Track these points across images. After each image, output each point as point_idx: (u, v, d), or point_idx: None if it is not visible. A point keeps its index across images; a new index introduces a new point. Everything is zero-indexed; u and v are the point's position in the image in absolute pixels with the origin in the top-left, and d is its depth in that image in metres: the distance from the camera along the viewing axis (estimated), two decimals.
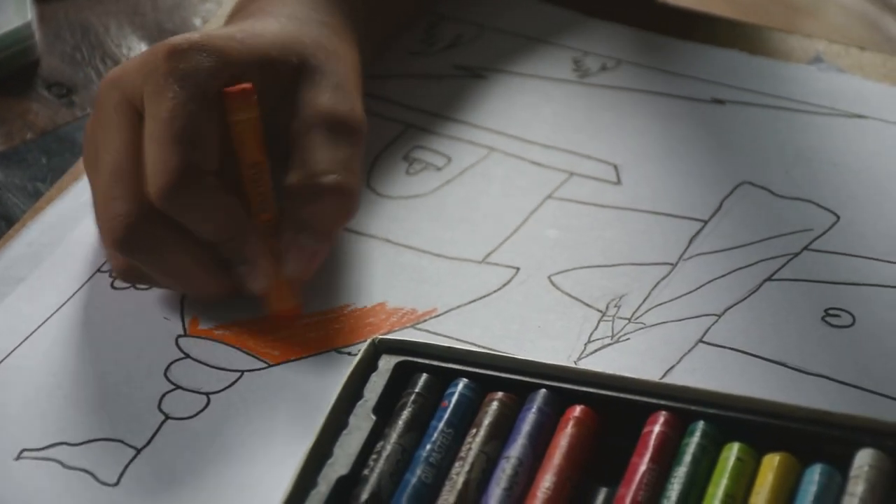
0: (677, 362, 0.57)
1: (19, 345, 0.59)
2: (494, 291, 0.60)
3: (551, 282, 0.60)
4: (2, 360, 0.58)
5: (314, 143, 0.58)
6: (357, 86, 0.61)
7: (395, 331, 0.59)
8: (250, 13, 0.64)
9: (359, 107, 0.60)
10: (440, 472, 0.51)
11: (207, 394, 0.57)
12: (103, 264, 0.62)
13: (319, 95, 0.59)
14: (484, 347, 0.57)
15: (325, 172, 0.57)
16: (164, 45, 0.58)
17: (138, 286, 0.61)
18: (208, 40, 0.58)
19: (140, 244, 0.57)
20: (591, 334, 0.58)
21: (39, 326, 0.59)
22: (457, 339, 0.58)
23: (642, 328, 0.58)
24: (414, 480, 0.50)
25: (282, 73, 0.59)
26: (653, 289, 0.60)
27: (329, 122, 0.59)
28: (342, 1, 0.65)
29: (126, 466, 0.54)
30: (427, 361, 0.54)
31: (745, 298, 0.59)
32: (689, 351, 0.57)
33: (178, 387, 0.57)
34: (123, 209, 0.56)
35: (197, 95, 0.57)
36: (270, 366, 0.58)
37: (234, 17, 0.66)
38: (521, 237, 0.62)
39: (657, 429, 0.51)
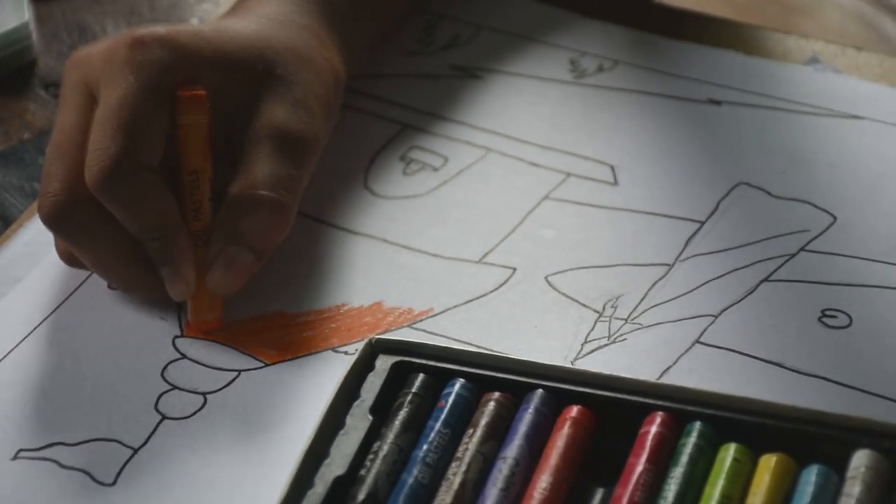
0: (674, 363, 0.57)
1: (17, 345, 0.59)
2: (491, 291, 0.60)
3: (548, 282, 0.60)
4: None
5: (260, 156, 0.58)
6: (323, 101, 0.61)
7: (391, 330, 0.59)
8: (237, 11, 0.64)
9: (317, 125, 0.60)
10: (437, 472, 0.51)
11: (204, 394, 0.57)
12: None
13: (277, 108, 0.59)
14: (480, 347, 0.57)
15: (264, 187, 0.57)
16: (129, 34, 0.58)
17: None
18: (173, 35, 0.58)
19: (67, 225, 0.57)
20: (588, 335, 0.58)
21: (37, 327, 0.59)
22: (453, 339, 0.58)
23: (639, 329, 0.58)
24: (411, 481, 0.50)
25: (245, 78, 0.59)
26: (650, 289, 0.60)
27: (280, 137, 0.58)
28: (328, 3, 0.65)
29: (123, 466, 0.54)
30: (424, 362, 0.54)
31: (741, 299, 0.59)
32: (686, 351, 0.57)
33: (174, 387, 0.57)
34: (57, 187, 0.57)
35: (148, 88, 0.57)
36: (267, 365, 0.58)
37: (227, 14, 0.66)
38: (518, 237, 0.62)
39: (654, 429, 0.51)
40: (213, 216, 0.58)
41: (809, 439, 0.50)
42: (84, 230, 0.57)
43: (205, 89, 0.58)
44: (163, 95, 0.57)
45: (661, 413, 0.51)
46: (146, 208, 0.57)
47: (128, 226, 0.57)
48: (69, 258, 0.59)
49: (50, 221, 0.57)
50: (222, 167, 0.59)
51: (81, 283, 0.61)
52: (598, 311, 0.59)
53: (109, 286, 0.60)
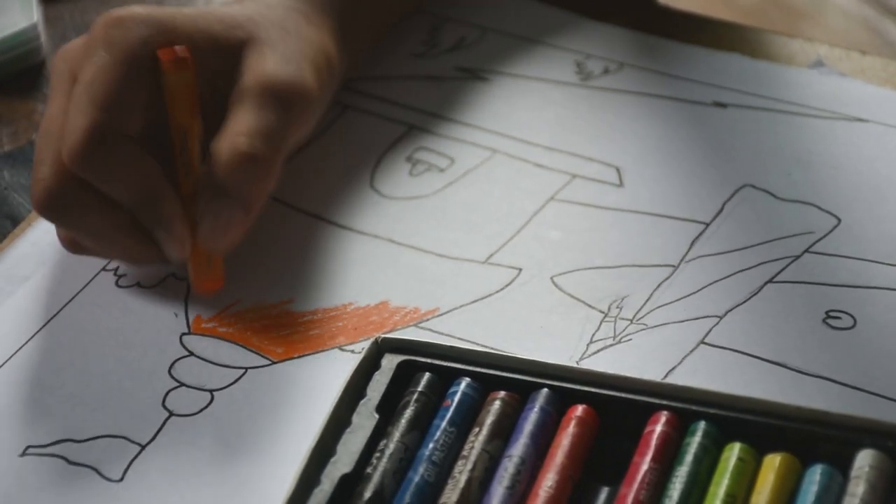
0: (679, 363, 0.57)
1: (25, 343, 0.59)
2: (497, 292, 0.61)
3: (554, 283, 0.61)
4: (7, 358, 0.58)
5: (242, 109, 0.58)
6: (313, 60, 0.61)
7: (397, 329, 0.59)
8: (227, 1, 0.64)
9: (306, 75, 0.60)
10: (443, 470, 0.51)
11: (211, 391, 0.57)
12: (108, 262, 0.62)
13: (262, 63, 0.59)
14: (486, 347, 0.58)
15: (242, 142, 0.57)
16: (106, 15, 0.59)
17: (143, 285, 0.61)
18: (150, 12, 0.59)
19: (59, 208, 0.57)
20: (594, 335, 0.58)
21: (45, 324, 0.60)
22: (459, 339, 0.58)
23: (644, 329, 0.59)
24: (417, 479, 0.50)
25: (227, 49, 0.59)
26: (655, 290, 0.60)
27: (264, 89, 0.58)
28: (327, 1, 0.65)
29: (130, 462, 0.54)
30: (430, 360, 0.54)
31: (746, 300, 0.59)
32: (691, 352, 0.58)
33: (182, 384, 0.57)
34: (45, 173, 0.57)
35: (122, 60, 0.57)
36: (274, 363, 0.58)
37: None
38: (524, 238, 0.63)
39: (659, 428, 0.51)
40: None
41: (813, 439, 0.50)
42: (76, 210, 0.57)
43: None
44: (140, 66, 0.57)
45: (665, 412, 0.51)
46: (126, 176, 0.57)
47: (113, 195, 0.57)
48: (72, 245, 0.59)
49: (42, 207, 0.57)
50: (206, 134, 0.58)
51: (89, 282, 0.61)
52: (603, 312, 0.59)
53: (117, 281, 0.61)
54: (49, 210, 0.57)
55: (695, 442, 0.51)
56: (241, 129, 0.57)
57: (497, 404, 0.52)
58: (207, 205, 0.57)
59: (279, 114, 0.58)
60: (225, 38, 0.59)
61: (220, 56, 0.59)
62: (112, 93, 0.57)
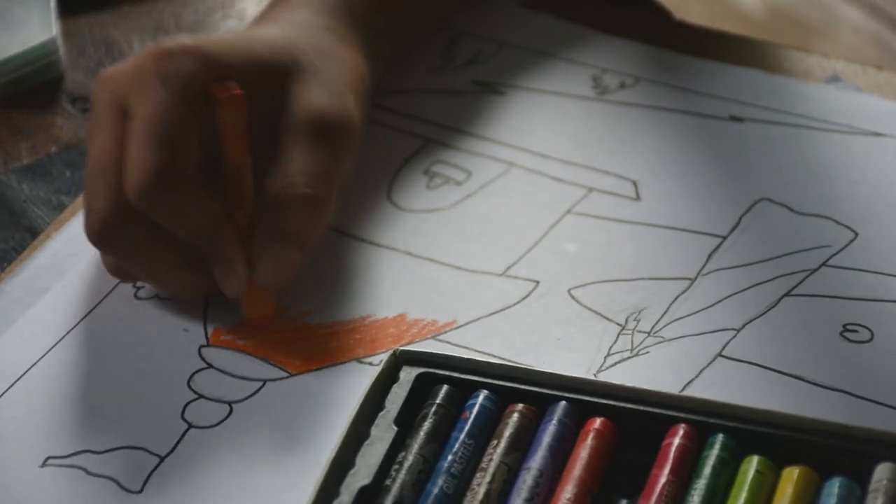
0: (696, 376, 0.57)
1: (45, 354, 0.59)
2: (514, 304, 0.61)
3: (571, 295, 0.61)
4: (28, 370, 0.59)
5: (295, 149, 0.58)
6: (354, 88, 0.61)
7: (415, 342, 0.59)
8: (262, 21, 0.65)
9: (350, 107, 0.60)
10: (461, 482, 0.51)
11: (230, 403, 0.57)
12: None
13: (307, 95, 0.59)
14: (504, 360, 0.58)
15: (300, 182, 0.58)
16: (155, 47, 0.59)
17: (161, 297, 0.61)
18: (198, 44, 0.59)
19: (116, 241, 0.57)
20: (611, 347, 0.59)
21: (64, 336, 0.60)
22: (477, 351, 0.58)
23: (662, 342, 0.59)
24: (436, 491, 0.50)
25: (273, 75, 0.60)
26: (672, 303, 0.60)
27: (314, 125, 0.59)
28: (352, 9, 0.65)
29: (150, 474, 0.55)
30: (448, 373, 0.54)
31: (763, 313, 0.60)
32: (709, 365, 0.58)
33: (200, 396, 0.57)
34: (102, 205, 0.57)
35: (179, 96, 0.57)
36: (292, 375, 0.58)
37: (253, 25, 0.66)
38: (541, 251, 0.63)
39: (677, 441, 0.51)
40: (254, 210, 0.59)
41: (832, 452, 0.50)
42: (132, 245, 0.58)
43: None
44: (194, 103, 0.58)
45: (684, 425, 0.51)
46: (191, 214, 0.57)
47: (177, 233, 0.58)
48: (118, 272, 0.60)
49: (99, 241, 0.58)
50: (261, 162, 0.59)
51: (108, 294, 0.62)
52: (620, 325, 0.59)
53: (136, 293, 0.61)
54: (106, 244, 0.58)
55: (713, 455, 0.51)
56: (297, 169, 0.58)
57: (515, 417, 0.53)
58: (267, 245, 0.58)
59: (332, 151, 0.59)
60: (270, 65, 0.60)
61: (265, 84, 0.60)
62: (175, 131, 0.57)
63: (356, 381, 0.57)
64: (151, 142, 0.57)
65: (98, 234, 0.57)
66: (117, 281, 0.62)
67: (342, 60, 0.62)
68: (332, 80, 0.60)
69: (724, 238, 0.63)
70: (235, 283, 0.58)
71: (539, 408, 0.53)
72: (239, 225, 0.58)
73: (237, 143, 0.58)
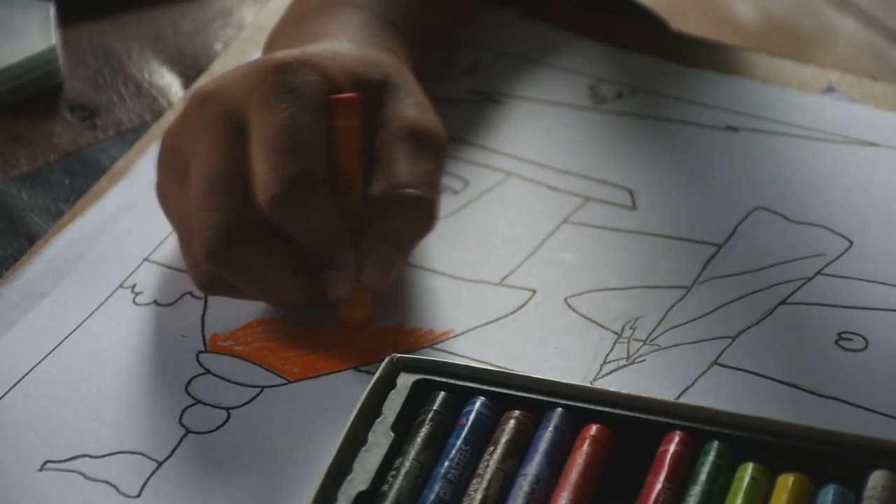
0: (692, 384, 0.58)
1: (43, 359, 0.59)
2: (511, 313, 0.61)
3: (567, 304, 0.61)
4: (26, 374, 0.59)
5: (399, 156, 0.59)
6: (432, 104, 0.62)
7: (412, 350, 0.59)
8: (312, 35, 0.64)
9: (438, 120, 0.61)
10: (458, 488, 0.51)
11: (228, 409, 0.57)
12: (126, 280, 0.63)
13: (405, 110, 0.60)
14: (501, 368, 0.58)
15: (408, 185, 0.58)
16: (268, 61, 0.59)
17: (160, 303, 0.61)
18: (309, 56, 0.59)
19: (233, 256, 0.57)
20: (607, 356, 0.59)
21: (62, 341, 0.60)
22: (474, 360, 0.59)
23: (657, 350, 0.59)
24: (432, 497, 0.51)
25: (369, 89, 0.60)
26: (668, 311, 0.60)
27: (414, 136, 0.60)
28: (398, 31, 0.66)
29: (147, 479, 0.55)
30: (445, 380, 0.54)
31: (759, 322, 0.60)
32: (704, 372, 0.58)
33: (198, 401, 0.57)
34: (218, 221, 0.57)
35: (308, 107, 0.58)
36: (290, 382, 0.58)
37: (285, 35, 0.66)
38: (538, 260, 0.63)
39: (673, 448, 0.51)
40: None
41: (826, 459, 0.51)
42: (249, 259, 0.58)
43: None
44: (322, 113, 0.58)
45: (679, 432, 0.52)
46: (323, 221, 0.58)
47: (306, 240, 0.58)
48: (214, 287, 0.59)
49: (215, 256, 0.57)
50: (362, 173, 0.60)
51: (106, 299, 0.62)
52: (616, 333, 0.60)
53: (134, 299, 0.61)
54: (223, 257, 0.57)
55: (708, 461, 0.51)
56: (402, 175, 0.59)
57: (512, 423, 0.53)
58: (374, 250, 0.58)
59: (433, 159, 0.60)
60: (367, 81, 0.60)
61: (365, 96, 0.60)
62: (308, 140, 0.57)
63: (353, 389, 0.57)
64: (286, 152, 0.57)
65: (215, 251, 0.57)
66: (117, 285, 0.62)
67: (413, 78, 0.63)
68: (419, 96, 0.61)
69: (720, 247, 0.63)
70: (347, 286, 0.58)
71: (535, 414, 0.53)
72: (349, 230, 0.59)
73: (350, 148, 0.59)
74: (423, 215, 0.59)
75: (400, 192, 0.58)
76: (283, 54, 0.59)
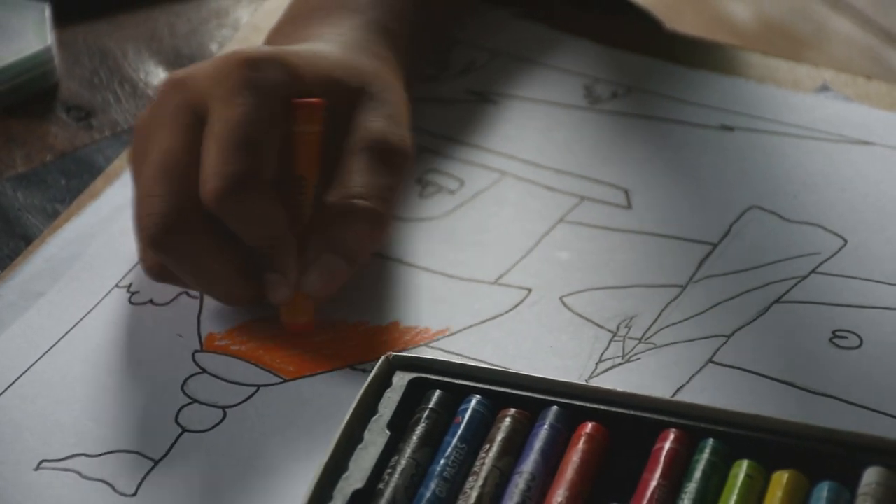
0: (687, 382, 0.58)
1: (39, 358, 0.59)
2: (507, 312, 0.61)
3: (563, 303, 0.61)
4: (22, 373, 0.59)
5: (358, 166, 0.59)
6: (406, 118, 0.62)
7: (408, 349, 0.59)
8: (304, 36, 0.64)
9: (408, 135, 0.61)
10: (454, 486, 0.51)
11: (223, 408, 0.57)
12: (122, 279, 0.63)
13: (374, 120, 0.60)
14: (496, 366, 0.58)
15: (361, 196, 0.58)
16: (239, 54, 0.59)
17: (156, 302, 0.61)
18: (282, 54, 0.59)
19: (173, 245, 0.57)
20: (603, 354, 0.59)
21: (59, 340, 0.60)
22: (469, 358, 0.59)
23: (653, 348, 0.59)
24: (428, 494, 0.51)
25: (343, 95, 0.60)
26: (663, 310, 0.61)
27: (378, 148, 0.59)
28: (392, 37, 0.66)
29: (144, 477, 0.55)
30: (441, 378, 0.54)
31: (754, 320, 0.60)
32: (699, 371, 0.58)
33: (194, 400, 0.58)
34: (162, 208, 0.57)
35: (266, 105, 0.58)
36: (285, 381, 0.58)
37: (282, 36, 0.66)
38: (534, 259, 0.63)
39: (668, 445, 0.51)
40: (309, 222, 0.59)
41: (821, 456, 0.51)
42: (190, 249, 0.57)
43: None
44: (279, 112, 0.58)
45: (674, 430, 0.52)
46: (263, 221, 0.57)
47: (246, 238, 0.58)
48: (159, 274, 0.59)
49: (156, 243, 0.57)
50: (320, 180, 0.59)
51: (102, 298, 0.62)
52: (612, 331, 0.60)
53: (130, 298, 0.61)
54: (164, 247, 0.57)
55: (703, 459, 0.51)
56: (357, 186, 0.58)
57: (507, 421, 0.53)
58: (320, 257, 0.58)
59: (393, 174, 0.59)
60: (344, 86, 0.60)
61: (336, 103, 0.60)
62: (259, 138, 0.57)
63: (349, 388, 0.57)
64: (235, 147, 0.57)
65: (155, 238, 0.57)
66: (113, 285, 0.62)
67: (397, 89, 0.63)
68: (394, 108, 0.61)
69: (715, 246, 0.63)
70: (286, 290, 0.58)
71: (531, 412, 0.53)
72: (293, 233, 0.59)
73: (308, 152, 0.59)
74: (372, 227, 0.59)
75: (352, 203, 0.58)
76: (254, 49, 0.59)
